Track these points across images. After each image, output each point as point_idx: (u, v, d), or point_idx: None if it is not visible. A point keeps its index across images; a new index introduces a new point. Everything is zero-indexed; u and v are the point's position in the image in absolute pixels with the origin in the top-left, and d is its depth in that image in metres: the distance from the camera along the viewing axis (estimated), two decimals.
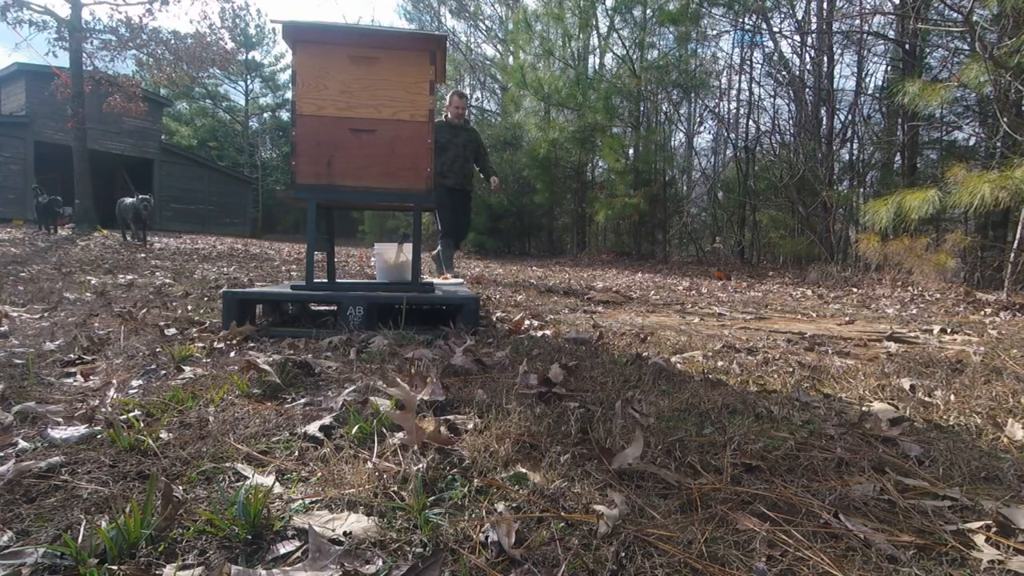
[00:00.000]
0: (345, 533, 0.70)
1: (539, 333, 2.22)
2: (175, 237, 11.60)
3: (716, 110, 12.82)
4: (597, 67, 13.97)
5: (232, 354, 1.70)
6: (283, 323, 2.42)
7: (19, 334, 1.91)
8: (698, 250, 12.29)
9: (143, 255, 6.17)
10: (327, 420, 1.09)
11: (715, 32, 11.92)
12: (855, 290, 5.79)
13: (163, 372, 1.46)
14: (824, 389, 1.53)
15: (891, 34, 9.07)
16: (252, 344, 1.87)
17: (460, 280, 3.96)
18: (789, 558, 0.69)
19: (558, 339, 2.06)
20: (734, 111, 12.67)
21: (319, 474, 0.88)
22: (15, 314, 2.30)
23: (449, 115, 5.37)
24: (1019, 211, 4.75)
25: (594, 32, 13.13)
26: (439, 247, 5.57)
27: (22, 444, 0.96)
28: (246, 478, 0.86)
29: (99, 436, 1.00)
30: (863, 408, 1.33)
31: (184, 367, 1.49)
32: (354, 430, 1.04)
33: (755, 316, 3.36)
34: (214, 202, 20.03)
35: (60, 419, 1.09)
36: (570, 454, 0.95)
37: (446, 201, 5.38)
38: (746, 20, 10.84)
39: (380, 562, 0.65)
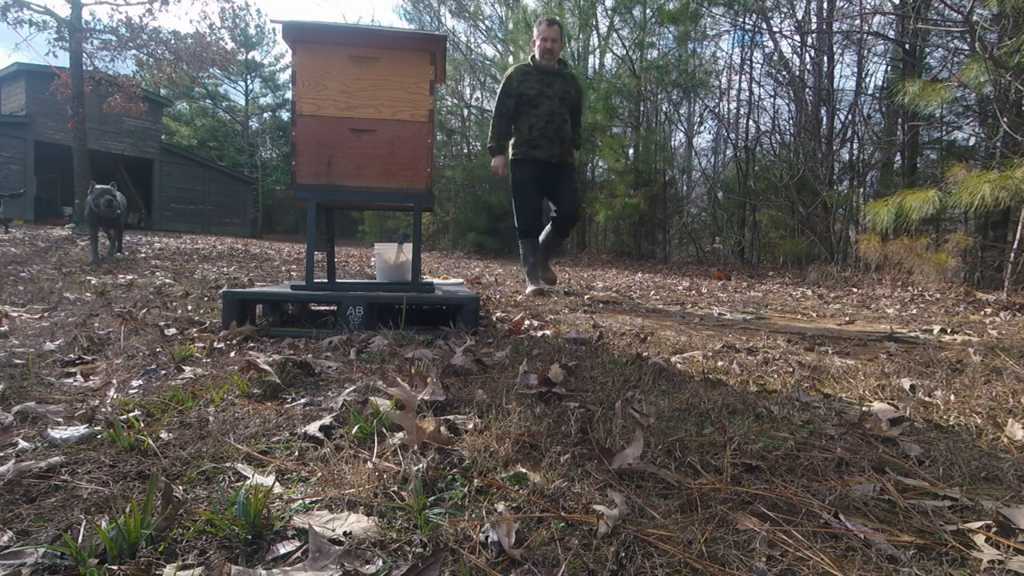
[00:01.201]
0: (345, 533, 0.70)
1: (539, 333, 2.22)
2: (175, 237, 11.60)
3: (716, 110, 12.83)
4: (597, 67, 13.98)
5: (232, 354, 1.70)
6: (283, 323, 2.42)
7: (19, 334, 1.91)
8: (698, 250, 12.29)
9: (143, 255, 6.17)
10: (327, 420, 1.09)
11: (715, 32, 11.92)
12: (855, 290, 5.79)
13: (163, 372, 1.46)
14: (824, 389, 1.53)
15: (891, 34, 9.08)
16: (252, 344, 1.87)
17: (460, 280, 3.96)
18: (789, 558, 0.69)
19: (558, 339, 2.06)
20: (734, 111, 12.69)
21: (319, 474, 0.87)
22: (15, 314, 2.30)
23: (536, 55, 3.71)
24: (1019, 211, 4.75)
25: (594, 32, 13.14)
26: (520, 251, 4.02)
27: (22, 444, 0.96)
28: (246, 478, 0.86)
29: (99, 436, 1.00)
30: (863, 408, 1.32)
31: (184, 367, 1.49)
32: (354, 430, 1.04)
33: (755, 316, 3.36)
34: (214, 202, 20.04)
35: (60, 419, 1.09)
36: (570, 454, 0.95)
37: (530, 182, 3.77)
38: (746, 20, 10.84)
39: (380, 562, 0.65)
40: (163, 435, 1.01)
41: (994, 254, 7.05)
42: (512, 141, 3.89)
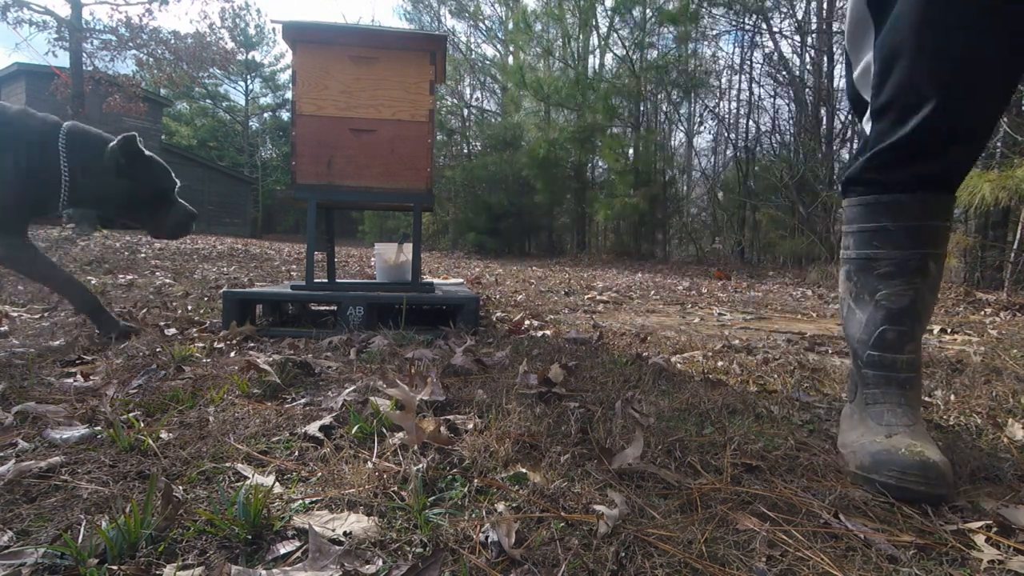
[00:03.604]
0: (345, 533, 0.70)
1: (539, 333, 2.22)
2: None
3: (716, 110, 12.83)
4: (597, 67, 13.99)
5: (232, 354, 1.70)
6: (283, 323, 2.42)
7: (19, 334, 1.91)
8: (698, 250, 12.29)
9: (143, 255, 6.17)
10: (327, 420, 1.09)
11: (715, 32, 11.93)
12: None
13: (163, 372, 1.46)
14: (824, 389, 1.53)
15: None
16: (252, 344, 1.87)
17: (460, 280, 3.96)
18: (789, 558, 0.69)
19: (558, 339, 2.06)
20: (734, 111, 12.70)
21: (319, 474, 0.88)
22: (15, 314, 2.30)
23: None
24: (1019, 211, 4.75)
25: (594, 32, 13.14)
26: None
27: (22, 444, 0.96)
28: (246, 478, 0.86)
29: (99, 436, 1.00)
30: None
31: (184, 367, 1.49)
32: (354, 430, 1.04)
33: (755, 316, 3.36)
34: (214, 202, 20.04)
35: (60, 419, 1.09)
36: (570, 454, 0.95)
37: None
38: (746, 20, 10.85)
39: (380, 562, 0.65)
40: (163, 435, 1.01)
41: (994, 254, 7.05)
42: None
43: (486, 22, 18.52)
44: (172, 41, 11.27)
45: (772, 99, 11.88)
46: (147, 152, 1.74)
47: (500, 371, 1.53)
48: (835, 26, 9.71)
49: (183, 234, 1.90)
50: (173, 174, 1.86)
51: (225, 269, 5.20)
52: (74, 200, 1.69)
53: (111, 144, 1.70)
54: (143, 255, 6.19)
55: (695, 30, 11.36)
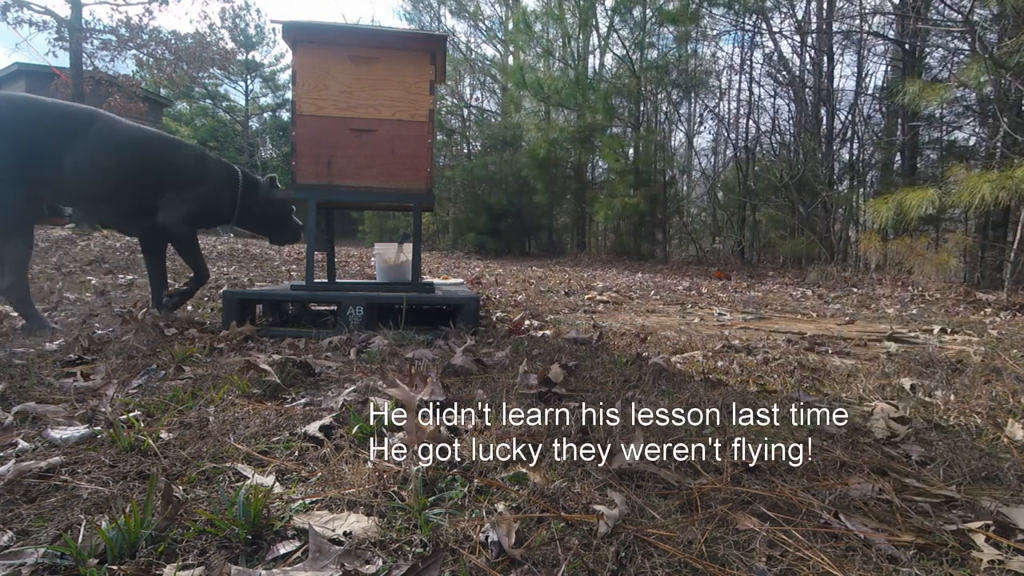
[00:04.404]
0: (345, 533, 0.70)
1: (539, 333, 2.22)
2: None
3: (716, 110, 12.82)
4: (597, 67, 13.98)
5: (232, 354, 1.70)
6: (283, 323, 2.42)
7: (19, 334, 1.91)
8: (698, 250, 12.28)
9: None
10: (327, 420, 1.09)
11: (715, 32, 11.92)
12: (855, 290, 5.79)
13: (163, 372, 1.46)
14: (824, 389, 1.53)
15: (891, 34, 9.07)
16: (252, 344, 1.87)
17: (460, 280, 3.96)
18: (789, 558, 0.69)
19: (558, 339, 2.06)
20: (734, 111, 12.68)
21: (319, 474, 0.87)
22: (16, 314, 2.30)
23: None
24: (1019, 211, 4.75)
25: (594, 32, 13.14)
26: None
27: (22, 444, 0.96)
28: (246, 478, 0.86)
29: (99, 436, 1.00)
30: (863, 408, 1.32)
31: (184, 367, 1.49)
32: (354, 430, 1.04)
33: (755, 316, 3.36)
34: None
35: (60, 419, 1.09)
36: (570, 454, 0.95)
37: None
38: (746, 20, 10.84)
39: (380, 562, 0.65)
40: (163, 435, 1.01)
41: (994, 254, 7.05)
42: None
43: (486, 22, 18.51)
44: (172, 41, 11.27)
45: (772, 99, 11.84)
46: (280, 187, 2.51)
47: (500, 371, 1.52)
48: (835, 26, 9.70)
49: (295, 242, 2.60)
50: (292, 203, 2.55)
51: (225, 269, 5.20)
52: (240, 220, 2.43)
53: (262, 181, 2.48)
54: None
55: (695, 30, 11.35)
